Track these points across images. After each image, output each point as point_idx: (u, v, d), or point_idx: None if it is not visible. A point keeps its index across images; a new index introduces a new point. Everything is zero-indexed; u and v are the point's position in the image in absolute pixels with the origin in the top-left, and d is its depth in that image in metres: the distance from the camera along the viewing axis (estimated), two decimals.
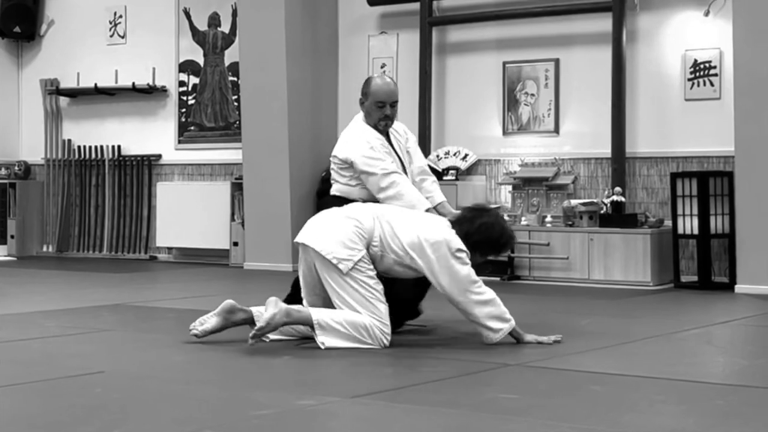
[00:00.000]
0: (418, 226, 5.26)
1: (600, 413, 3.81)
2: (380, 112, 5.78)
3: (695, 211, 8.50)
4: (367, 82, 5.88)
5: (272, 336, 5.30)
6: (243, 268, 10.29)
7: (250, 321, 5.31)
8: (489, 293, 5.24)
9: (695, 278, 8.63)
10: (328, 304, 5.27)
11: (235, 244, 10.65)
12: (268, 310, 5.11)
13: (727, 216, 8.52)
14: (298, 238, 5.32)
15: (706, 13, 8.83)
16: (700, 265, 8.56)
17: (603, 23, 9.23)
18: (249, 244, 10.37)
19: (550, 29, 9.56)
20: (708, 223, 8.48)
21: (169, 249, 11.41)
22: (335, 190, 5.86)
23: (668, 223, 8.78)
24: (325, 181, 10.20)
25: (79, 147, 11.98)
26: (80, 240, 11.98)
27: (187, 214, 11.02)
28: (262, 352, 5.07)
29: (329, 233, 5.19)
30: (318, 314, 5.15)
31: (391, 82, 5.91)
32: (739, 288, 8.13)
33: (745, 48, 8.14)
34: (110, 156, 11.78)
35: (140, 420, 3.66)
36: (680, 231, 8.59)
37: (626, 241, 8.59)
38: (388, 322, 5.18)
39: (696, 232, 8.51)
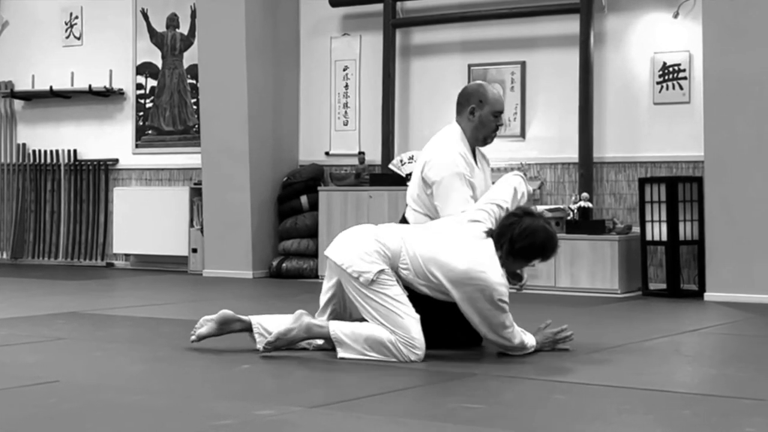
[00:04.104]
0: (460, 256, 5.07)
1: (566, 423, 3.76)
2: (495, 122, 5.59)
3: (664, 217, 8.43)
4: (480, 90, 5.61)
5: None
6: (202, 275, 10.21)
7: (248, 329, 5.30)
8: (518, 337, 5.15)
9: (664, 286, 8.55)
10: (338, 316, 5.26)
11: (194, 250, 10.55)
12: (286, 323, 5.10)
13: (697, 222, 8.45)
14: (326, 251, 5.26)
15: (676, 15, 8.75)
16: (669, 273, 8.48)
17: (570, 25, 9.13)
18: (208, 251, 10.25)
19: (516, 31, 9.45)
20: (677, 229, 8.41)
21: (127, 256, 11.30)
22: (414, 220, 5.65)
23: (636, 229, 8.71)
24: (287, 187, 10.10)
25: (34, 151, 11.86)
26: (35, 246, 11.85)
27: (145, 220, 10.90)
28: (221, 362, 5.01)
29: (351, 248, 5.12)
30: (336, 330, 5.07)
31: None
32: (708, 296, 8.05)
33: (715, 50, 8.06)
34: (66, 160, 11.66)
35: (96, 431, 3.59)
36: (648, 237, 8.51)
37: (593, 247, 8.50)
38: (415, 335, 5.01)
39: (665, 238, 8.44)
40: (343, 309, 5.25)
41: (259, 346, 5.16)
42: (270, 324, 5.26)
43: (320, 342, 5.19)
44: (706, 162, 8.11)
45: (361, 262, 5.04)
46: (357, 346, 5.01)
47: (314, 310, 5.35)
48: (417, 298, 5.41)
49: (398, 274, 5.10)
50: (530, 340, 5.24)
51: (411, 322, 5.03)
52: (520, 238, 5.10)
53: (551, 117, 9.27)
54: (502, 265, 5.09)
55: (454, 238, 5.16)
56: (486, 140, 5.63)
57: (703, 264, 8.29)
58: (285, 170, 10.30)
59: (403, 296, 5.07)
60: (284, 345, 5.09)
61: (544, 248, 5.16)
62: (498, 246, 5.11)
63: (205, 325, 5.31)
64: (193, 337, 5.34)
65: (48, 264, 11.66)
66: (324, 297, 5.29)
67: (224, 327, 5.30)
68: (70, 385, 4.41)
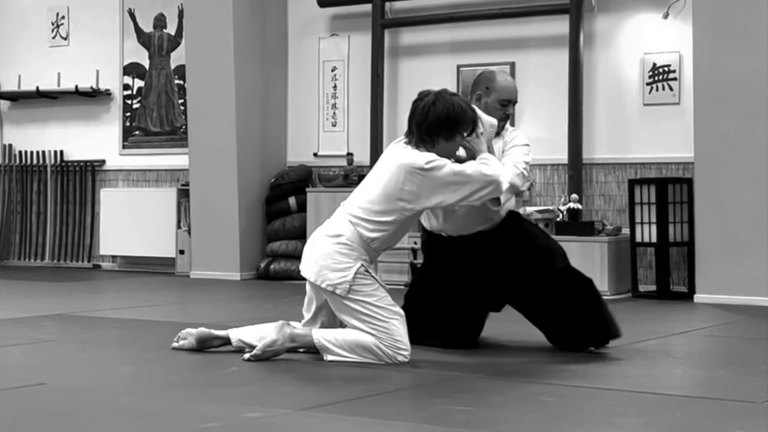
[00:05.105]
0: (379, 179, 5.03)
1: (554, 426, 3.74)
2: (502, 111, 5.50)
3: (653, 218, 8.39)
4: (490, 77, 5.56)
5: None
6: (189, 277, 10.15)
7: (228, 344, 5.30)
8: (481, 168, 4.94)
9: (653, 287, 8.51)
10: (325, 323, 5.21)
11: (182, 252, 10.49)
12: (270, 335, 5.05)
13: (686, 224, 8.41)
14: (300, 266, 5.21)
15: (666, 16, 8.70)
16: (659, 274, 8.43)
17: (559, 26, 9.08)
18: (196, 253, 10.19)
19: (506, 32, 9.40)
20: (666, 231, 8.37)
21: (113, 257, 11.22)
22: None
23: (626, 231, 8.66)
24: (275, 188, 10.04)
25: (20, 152, 11.78)
26: (21, 248, 11.77)
27: (132, 221, 10.84)
28: (208, 364, 4.99)
29: (316, 260, 5.05)
30: (319, 338, 5.03)
31: (513, 79, 5.65)
32: (698, 297, 8.02)
33: (705, 51, 8.03)
34: (52, 161, 11.59)
35: None
36: (638, 239, 8.47)
37: (583, 249, 8.45)
38: (399, 338, 4.98)
39: (654, 240, 8.40)
40: (333, 319, 5.18)
41: (245, 356, 5.11)
42: (248, 337, 5.24)
43: (302, 350, 5.15)
44: (696, 163, 8.07)
45: (332, 273, 4.98)
46: (342, 351, 4.98)
47: (302, 311, 5.32)
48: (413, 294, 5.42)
49: (373, 249, 5.04)
50: (490, 162, 5.02)
51: (395, 324, 4.99)
52: (423, 119, 4.98)
53: (540, 118, 9.22)
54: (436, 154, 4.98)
55: (374, 170, 5.15)
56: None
57: (692, 266, 8.25)
58: (273, 171, 10.24)
59: (384, 298, 5.01)
60: (270, 356, 5.05)
61: (449, 116, 4.97)
62: (411, 140, 5.03)
63: (187, 338, 5.34)
64: (175, 345, 5.38)
65: (34, 265, 11.58)
66: (310, 308, 5.23)
67: (203, 344, 5.32)
68: (57, 388, 4.40)
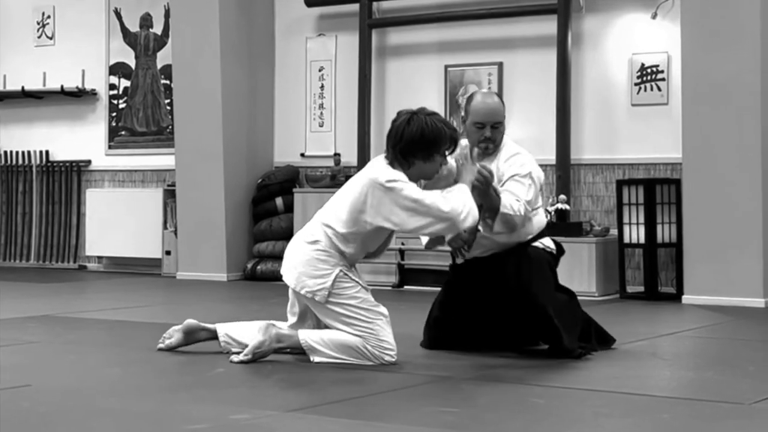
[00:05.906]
0: (350, 191, 5.03)
1: (542, 427, 3.75)
2: (479, 134, 5.39)
3: (642, 219, 8.38)
4: (470, 98, 5.50)
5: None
6: (176, 278, 10.12)
7: (214, 338, 5.29)
8: (442, 202, 4.84)
9: (641, 288, 8.51)
10: (312, 326, 5.21)
11: (168, 253, 10.45)
12: (256, 337, 5.05)
13: (674, 225, 8.42)
14: (282, 270, 5.20)
15: (654, 16, 8.69)
16: (647, 275, 8.43)
17: (548, 26, 9.06)
18: (182, 253, 10.16)
19: (494, 32, 9.39)
20: (654, 231, 8.37)
21: (99, 258, 11.19)
22: None
23: (614, 231, 8.66)
24: (262, 189, 10.01)
25: (5, 152, 11.73)
26: (6, 248, 11.72)
27: (118, 222, 10.80)
28: (195, 365, 4.99)
29: (296, 266, 5.06)
30: (305, 337, 5.04)
31: (494, 100, 5.50)
32: (686, 299, 8.01)
33: (693, 52, 8.03)
34: (38, 162, 11.55)
35: None
36: (626, 240, 8.46)
37: (571, 250, 8.34)
38: (384, 338, 4.98)
39: (642, 241, 8.39)
40: (319, 322, 5.17)
41: (233, 359, 5.08)
42: (237, 333, 5.24)
43: (288, 350, 5.14)
44: (684, 164, 8.07)
45: (310, 279, 4.99)
46: (329, 352, 4.99)
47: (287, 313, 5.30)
48: None
49: (347, 258, 5.03)
50: (458, 197, 4.92)
51: (379, 324, 5.00)
52: (397, 140, 4.97)
53: (528, 118, 9.19)
54: (413, 176, 4.96)
55: (349, 182, 5.15)
56: (477, 149, 5.46)
57: (680, 266, 8.25)
58: (260, 172, 10.21)
59: (366, 300, 5.02)
60: (258, 358, 5.04)
61: (423, 136, 4.94)
62: (389, 160, 5.01)
63: (174, 335, 5.34)
64: (161, 346, 5.37)
65: (19, 266, 11.54)
66: (293, 311, 5.22)
67: (190, 336, 5.31)
68: (43, 390, 4.40)
